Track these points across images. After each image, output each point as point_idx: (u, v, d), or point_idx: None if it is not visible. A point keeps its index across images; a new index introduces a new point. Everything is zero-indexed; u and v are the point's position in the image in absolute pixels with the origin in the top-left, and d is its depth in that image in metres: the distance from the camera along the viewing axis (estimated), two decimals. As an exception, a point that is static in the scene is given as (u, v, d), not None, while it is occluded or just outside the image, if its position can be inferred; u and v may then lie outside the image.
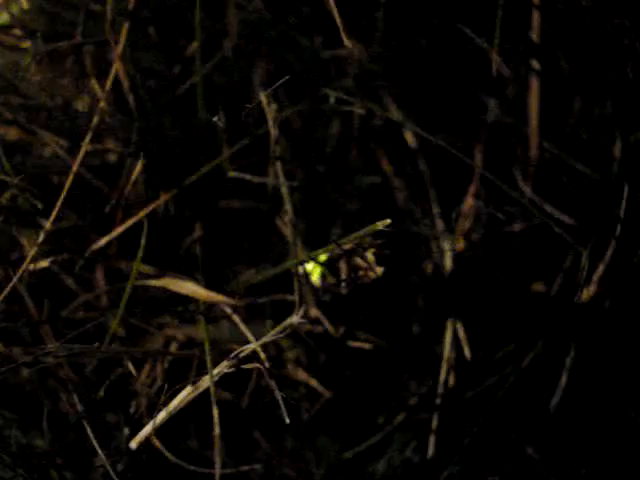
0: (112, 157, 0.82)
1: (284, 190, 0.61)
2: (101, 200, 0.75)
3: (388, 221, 0.56)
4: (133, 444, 0.61)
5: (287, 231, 0.67)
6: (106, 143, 0.75)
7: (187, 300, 0.75)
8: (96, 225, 0.75)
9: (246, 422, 0.81)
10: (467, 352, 0.71)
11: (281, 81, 0.58)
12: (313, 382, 0.73)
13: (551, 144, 0.85)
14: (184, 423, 0.78)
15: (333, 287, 0.63)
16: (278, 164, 0.61)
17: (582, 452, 0.79)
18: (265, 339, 0.63)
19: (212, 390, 0.61)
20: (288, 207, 0.62)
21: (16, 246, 0.72)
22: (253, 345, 0.62)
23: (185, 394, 0.59)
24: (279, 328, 0.64)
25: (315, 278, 0.64)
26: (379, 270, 0.63)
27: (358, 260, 0.62)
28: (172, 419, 0.64)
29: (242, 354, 0.62)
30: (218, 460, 0.61)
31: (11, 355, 0.68)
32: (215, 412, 0.60)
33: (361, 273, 0.62)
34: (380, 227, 0.56)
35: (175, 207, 0.75)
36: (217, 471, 0.61)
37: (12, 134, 0.77)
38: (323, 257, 0.63)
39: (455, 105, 0.86)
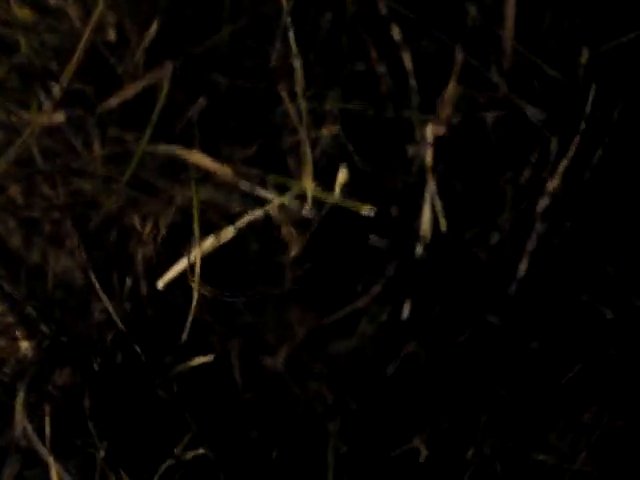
0: (112, 34, 0.86)
1: (295, 57, 0.66)
2: (109, 71, 0.80)
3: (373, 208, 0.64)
4: (161, 284, 0.66)
5: (290, 107, 0.72)
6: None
7: (183, 169, 0.80)
8: (105, 94, 0.79)
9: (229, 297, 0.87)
10: (443, 225, 0.78)
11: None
12: (300, 244, 0.78)
13: (524, 49, 0.92)
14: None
15: None
16: (291, 32, 0.66)
17: (539, 325, 0.87)
18: (284, 197, 0.68)
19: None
20: (299, 75, 0.67)
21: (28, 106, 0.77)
22: (275, 200, 0.67)
23: (211, 241, 0.65)
24: (291, 192, 0.69)
25: None
26: None
27: None
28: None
29: (259, 213, 0.68)
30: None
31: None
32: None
33: None
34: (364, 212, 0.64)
35: (179, 79, 0.79)
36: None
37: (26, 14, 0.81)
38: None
39: (438, 8, 0.92)
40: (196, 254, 0.64)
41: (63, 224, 0.77)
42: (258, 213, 0.66)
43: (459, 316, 0.85)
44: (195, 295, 0.63)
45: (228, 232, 0.67)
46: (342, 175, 0.68)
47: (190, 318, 0.62)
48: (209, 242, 0.66)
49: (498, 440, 0.86)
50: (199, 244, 0.64)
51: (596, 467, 0.88)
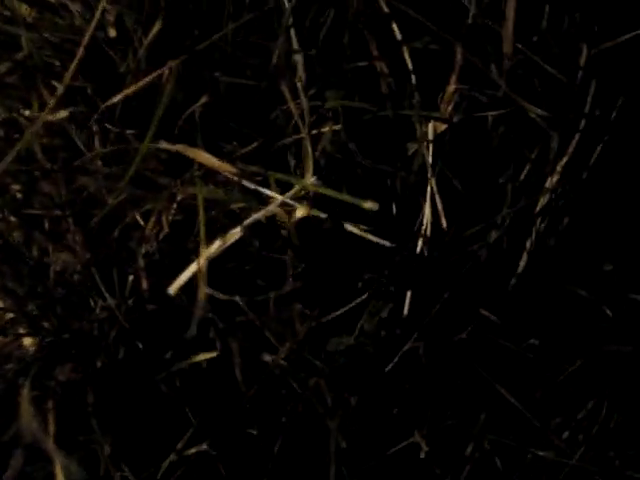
0: (113, 31, 0.86)
1: (297, 53, 0.67)
2: (111, 69, 0.80)
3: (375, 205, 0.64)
4: (172, 290, 0.66)
5: (292, 104, 0.73)
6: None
7: (186, 167, 0.81)
8: (106, 91, 0.80)
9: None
10: (444, 222, 0.78)
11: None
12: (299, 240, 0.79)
13: (524, 47, 0.92)
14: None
15: None
16: (292, 30, 0.66)
17: (538, 322, 0.88)
18: (287, 196, 0.68)
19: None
20: (300, 71, 0.67)
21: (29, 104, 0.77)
22: (279, 197, 0.67)
23: (218, 244, 0.65)
24: (294, 190, 0.69)
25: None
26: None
27: None
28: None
29: (269, 210, 0.68)
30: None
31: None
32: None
33: None
34: (367, 206, 0.64)
35: (180, 76, 0.79)
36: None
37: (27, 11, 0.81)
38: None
39: (438, 7, 0.92)
40: (202, 255, 0.64)
41: (65, 221, 0.78)
42: (262, 213, 0.67)
43: (459, 313, 0.86)
44: (201, 296, 0.64)
45: (234, 233, 0.67)
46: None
47: (196, 318, 0.62)
48: (216, 245, 0.66)
49: (497, 436, 0.86)
50: (205, 244, 0.65)
51: (594, 463, 0.89)
